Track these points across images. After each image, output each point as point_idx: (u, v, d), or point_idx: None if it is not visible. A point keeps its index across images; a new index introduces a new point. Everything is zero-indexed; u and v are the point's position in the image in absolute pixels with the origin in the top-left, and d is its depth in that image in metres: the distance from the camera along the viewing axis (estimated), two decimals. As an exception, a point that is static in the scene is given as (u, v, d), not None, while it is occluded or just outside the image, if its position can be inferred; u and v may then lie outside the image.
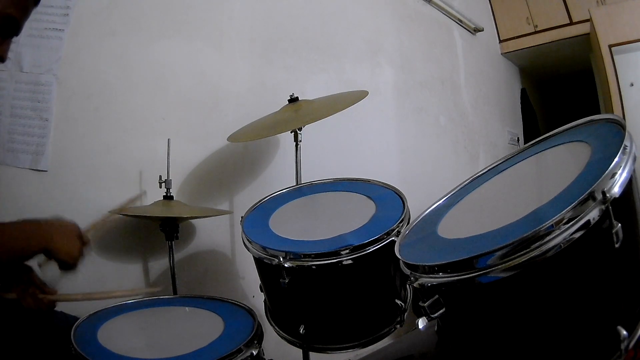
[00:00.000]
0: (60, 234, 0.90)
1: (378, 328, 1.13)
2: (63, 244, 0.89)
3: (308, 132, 1.60)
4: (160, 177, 1.46)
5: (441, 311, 0.74)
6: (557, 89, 4.83)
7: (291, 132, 1.59)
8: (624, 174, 0.67)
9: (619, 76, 2.84)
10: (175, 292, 1.44)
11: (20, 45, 1.41)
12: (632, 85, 2.81)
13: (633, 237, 0.70)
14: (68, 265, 0.90)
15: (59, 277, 0.95)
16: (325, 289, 1.09)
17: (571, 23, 3.46)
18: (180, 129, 1.68)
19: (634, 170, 0.69)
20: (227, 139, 1.58)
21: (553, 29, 3.55)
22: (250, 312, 1.13)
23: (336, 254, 1.03)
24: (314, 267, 1.03)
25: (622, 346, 0.66)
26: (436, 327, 0.87)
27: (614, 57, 2.85)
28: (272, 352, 1.21)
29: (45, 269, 0.93)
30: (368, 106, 1.91)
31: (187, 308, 1.22)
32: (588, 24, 3.11)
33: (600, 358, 0.68)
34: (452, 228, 0.90)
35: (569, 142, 0.93)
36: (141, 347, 0.99)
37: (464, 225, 0.91)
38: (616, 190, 0.65)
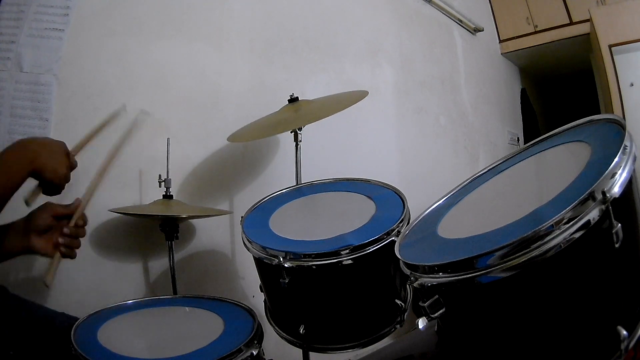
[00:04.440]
0: (47, 151, 0.86)
1: (378, 328, 1.13)
2: (50, 163, 0.85)
3: (308, 132, 1.60)
4: (159, 176, 1.45)
5: (441, 311, 0.74)
6: (557, 89, 4.83)
7: (291, 132, 1.59)
8: (624, 174, 0.67)
9: (619, 76, 2.84)
10: (175, 292, 1.44)
11: (20, 45, 1.41)
12: (632, 85, 2.81)
13: (633, 237, 0.70)
14: (54, 186, 0.87)
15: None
16: (325, 289, 1.09)
17: (571, 23, 3.46)
18: (180, 129, 1.68)
19: (634, 170, 0.69)
20: (227, 139, 1.58)
21: (553, 29, 3.55)
22: (250, 312, 1.13)
23: (336, 254, 1.03)
24: (314, 267, 1.03)
25: (622, 346, 0.66)
26: (436, 327, 0.87)
27: (614, 57, 2.85)
28: (272, 352, 1.21)
29: (33, 201, 0.89)
30: (368, 106, 1.92)
31: (187, 308, 1.22)
32: (588, 24, 3.11)
33: (600, 358, 0.68)
34: (452, 228, 0.90)
35: (569, 142, 0.93)
36: (141, 347, 0.99)
37: (464, 225, 0.91)
38: (616, 190, 0.65)
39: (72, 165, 0.92)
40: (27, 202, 0.88)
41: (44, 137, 0.91)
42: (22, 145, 0.86)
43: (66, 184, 0.92)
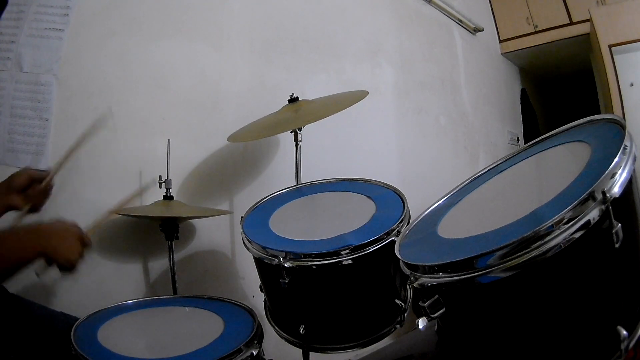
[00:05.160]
0: (59, 237, 0.89)
1: (378, 328, 1.13)
2: (61, 248, 0.88)
3: (308, 132, 1.60)
4: (160, 177, 1.46)
5: (441, 311, 0.74)
6: (557, 89, 4.83)
7: (291, 132, 1.59)
8: (624, 174, 0.67)
9: (619, 76, 2.83)
10: (175, 292, 1.44)
11: (20, 45, 1.41)
12: (632, 85, 2.81)
13: (633, 237, 0.70)
14: (67, 268, 0.90)
15: (58, 278, 0.94)
16: (325, 289, 1.09)
17: (571, 23, 3.46)
18: (180, 129, 1.68)
19: (634, 170, 0.69)
20: (227, 139, 1.58)
21: (553, 29, 3.55)
22: (250, 312, 1.13)
23: (336, 254, 1.03)
24: (314, 267, 1.03)
25: (622, 346, 0.66)
26: (436, 327, 0.87)
27: (614, 57, 2.85)
28: (272, 352, 1.21)
29: (43, 275, 0.91)
30: (368, 106, 1.91)
31: (187, 308, 1.22)
32: (588, 24, 3.11)
33: (600, 358, 0.68)
34: (452, 228, 0.90)
35: (569, 142, 0.93)
36: (141, 347, 0.99)
37: (464, 225, 0.91)
38: (616, 190, 0.65)
39: (86, 246, 0.95)
40: (38, 274, 0.90)
41: (60, 222, 0.96)
42: (36, 230, 0.91)
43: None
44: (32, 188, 1.08)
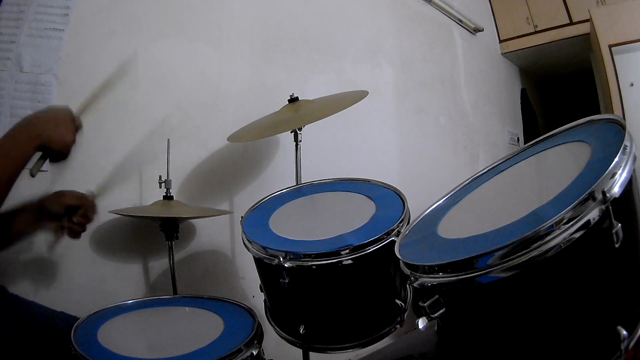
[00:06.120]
0: (52, 125, 0.88)
1: (378, 328, 1.13)
2: (56, 137, 0.87)
3: (308, 132, 1.60)
4: (160, 177, 1.45)
5: (441, 311, 0.74)
6: (557, 89, 4.83)
7: (291, 132, 1.59)
8: (624, 174, 0.67)
9: (619, 76, 2.83)
10: (175, 292, 1.44)
11: (20, 45, 1.41)
12: (632, 85, 2.81)
13: (633, 237, 0.70)
14: (62, 155, 0.90)
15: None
16: (325, 289, 1.09)
17: (571, 23, 3.46)
18: (180, 129, 1.68)
19: (634, 170, 0.69)
20: (227, 139, 1.58)
21: (553, 29, 3.55)
22: (250, 312, 1.13)
23: (336, 254, 1.03)
24: (314, 267, 1.03)
25: (622, 346, 0.66)
26: (436, 327, 0.87)
27: (614, 57, 2.85)
28: (272, 352, 1.21)
29: (37, 170, 0.90)
30: (368, 106, 1.92)
31: (187, 308, 1.22)
32: (588, 24, 3.11)
33: (600, 358, 0.68)
34: (452, 228, 0.90)
35: (569, 142, 0.93)
36: (141, 347, 0.99)
37: (464, 225, 0.91)
38: (616, 190, 0.65)
39: (78, 128, 0.93)
40: (33, 174, 0.89)
41: (49, 108, 0.94)
42: (28, 123, 0.88)
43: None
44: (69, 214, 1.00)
